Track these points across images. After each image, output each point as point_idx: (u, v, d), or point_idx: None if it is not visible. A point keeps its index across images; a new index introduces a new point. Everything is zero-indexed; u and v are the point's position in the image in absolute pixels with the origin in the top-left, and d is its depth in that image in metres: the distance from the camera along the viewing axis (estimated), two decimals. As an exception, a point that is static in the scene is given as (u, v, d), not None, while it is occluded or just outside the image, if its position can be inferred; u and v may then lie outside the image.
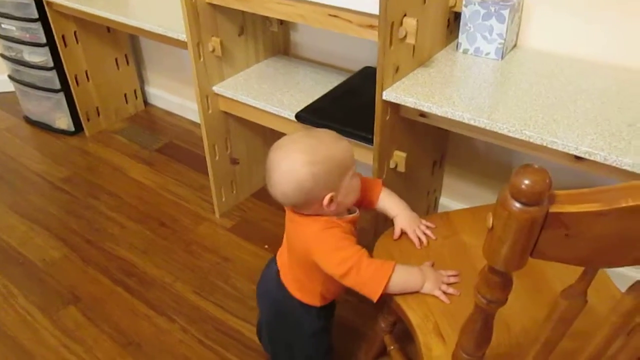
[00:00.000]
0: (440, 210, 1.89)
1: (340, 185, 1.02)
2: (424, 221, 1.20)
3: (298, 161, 0.98)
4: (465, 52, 1.41)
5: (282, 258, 1.19)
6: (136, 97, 2.62)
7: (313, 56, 1.89)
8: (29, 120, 2.60)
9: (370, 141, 1.35)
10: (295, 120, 1.52)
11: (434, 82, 1.28)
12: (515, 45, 1.44)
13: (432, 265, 1.09)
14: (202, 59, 1.62)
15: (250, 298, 1.65)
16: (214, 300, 1.65)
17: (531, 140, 1.09)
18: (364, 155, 1.42)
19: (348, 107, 1.52)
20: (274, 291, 1.19)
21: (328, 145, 1.00)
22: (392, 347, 1.28)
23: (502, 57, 1.37)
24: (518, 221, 0.56)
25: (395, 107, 1.30)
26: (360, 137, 1.40)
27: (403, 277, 1.02)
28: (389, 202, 1.20)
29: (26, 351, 1.51)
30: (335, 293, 1.18)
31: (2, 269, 1.78)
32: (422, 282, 1.03)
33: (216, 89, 1.70)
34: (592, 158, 1.04)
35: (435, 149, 1.66)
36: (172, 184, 2.15)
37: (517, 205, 0.55)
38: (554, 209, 0.55)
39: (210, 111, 1.73)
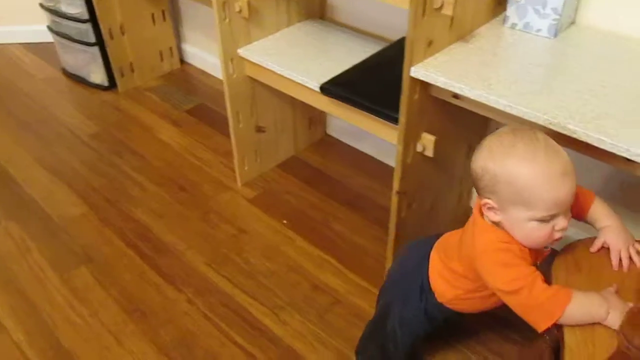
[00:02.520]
0: (474, 200, 1.75)
1: (506, 208, 0.89)
2: (638, 245, 0.98)
3: (496, 151, 0.88)
4: (513, 27, 1.25)
5: (442, 243, 1.11)
6: (172, 55, 2.55)
7: (351, 22, 1.75)
8: (66, 73, 2.58)
9: (396, 120, 1.22)
10: (320, 92, 1.40)
11: (472, 60, 1.13)
12: (572, 22, 1.27)
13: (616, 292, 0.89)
14: (227, 20, 1.52)
15: (262, 274, 1.57)
16: (225, 273, 1.58)
17: (575, 136, 0.94)
18: (389, 135, 1.30)
19: (378, 81, 1.39)
20: (416, 254, 1.15)
21: (530, 172, 0.84)
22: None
23: (555, 35, 1.21)
24: None
25: (425, 86, 1.16)
26: (385, 116, 1.27)
27: (582, 309, 0.85)
28: (599, 213, 0.99)
29: (33, 306, 1.50)
30: (469, 309, 1.08)
31: (21, 221, 1.77)
32: (606, 314, 0.84)
33: (242, 52, 1.59)
34: (646, 163, 0.89)
35: (472, 133, 1.51)
36: (198, 148, 2.08)
37: None
38: None
39: (234, 75, 1.63)
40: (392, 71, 1.40)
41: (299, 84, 1.47)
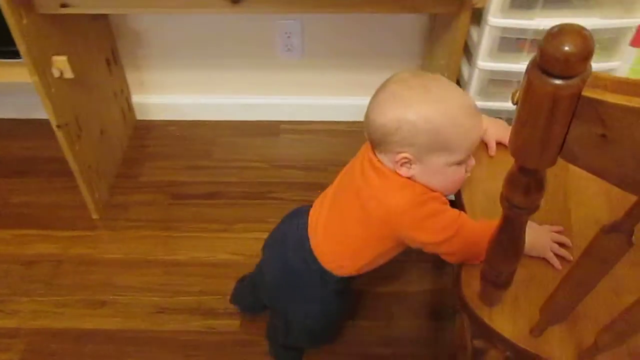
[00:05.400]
0: (138, 112, 1.78)
1: (424, 158, 0.82)
2: None
3: (405, 100, 0.80)
4: None
5: (320, 215, 0.96)
6: None
7: None
8: None
9: (17, 54, 1.14)
10: None
11: (61, -36, 1.11)
12: None
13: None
14: None
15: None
16: None
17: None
18: (19, 74, 1.21)
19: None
20: (292, 253, 0.99)
21: (450, 116, 0.79)
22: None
23: None
24: (540, 95, 0.45)
25: (28, 5, 1.10)
26: (4, 54, 1.18)
27: None
28: None
29: None
30: (374, 267, 0.98)
31: None
32: (528, 244, 0.77)
33: None
34: (244, -4, 1.05)
35: (101, 45, 1.51)
36: None
37: (542, 75, 0.44)
38: (589, 92, 0.44)
39: None
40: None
41: None
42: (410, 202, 0.83)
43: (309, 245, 0.96)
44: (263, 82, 1.73)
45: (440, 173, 0.83)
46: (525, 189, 0.55)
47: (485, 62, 1.20)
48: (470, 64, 1.26)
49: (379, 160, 0.86)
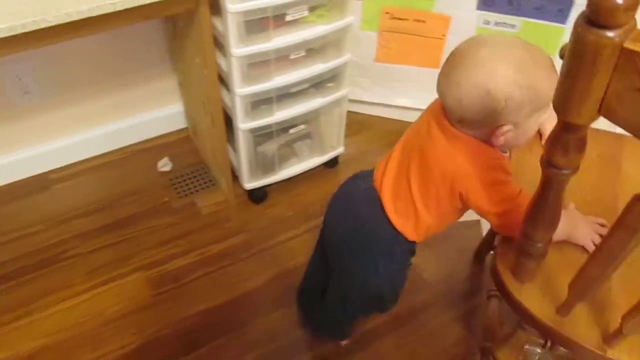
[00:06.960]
0: None
1: (522, 122, 0.80)
2: None
3: (502, 74, 0.76)
4: None
5: (387, 179, 0.94)
6: None
7: None
8: None
9: None
10: None
11: None
12: None
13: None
14: None
15: None
16: None
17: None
18: None
19: None
20: (364, 212, 0.97)
21: (541, 71, 0.77)
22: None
23: None
24: (583, 45, 0.46)
25: None
26: None
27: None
28: None
29: None
30: (437, 230, 0.96)
31: None
32: (570, 230, 0.82)
33: None
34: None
35: None
36: None
37: (587, 26, 0.46)
38: (630, 44, 0.45)
39: None
40: None
41: None
42: (479, 166, 0.83)
43: (381, 203, 0.95)
44: (11, 135, 1.51)
45: (529, 131, 0.84)
46: (564, 147, 0.56)
47: (238, 48, 1.20)
48: (225, 55, 1.25)
49: (451, 125, 0.84)
